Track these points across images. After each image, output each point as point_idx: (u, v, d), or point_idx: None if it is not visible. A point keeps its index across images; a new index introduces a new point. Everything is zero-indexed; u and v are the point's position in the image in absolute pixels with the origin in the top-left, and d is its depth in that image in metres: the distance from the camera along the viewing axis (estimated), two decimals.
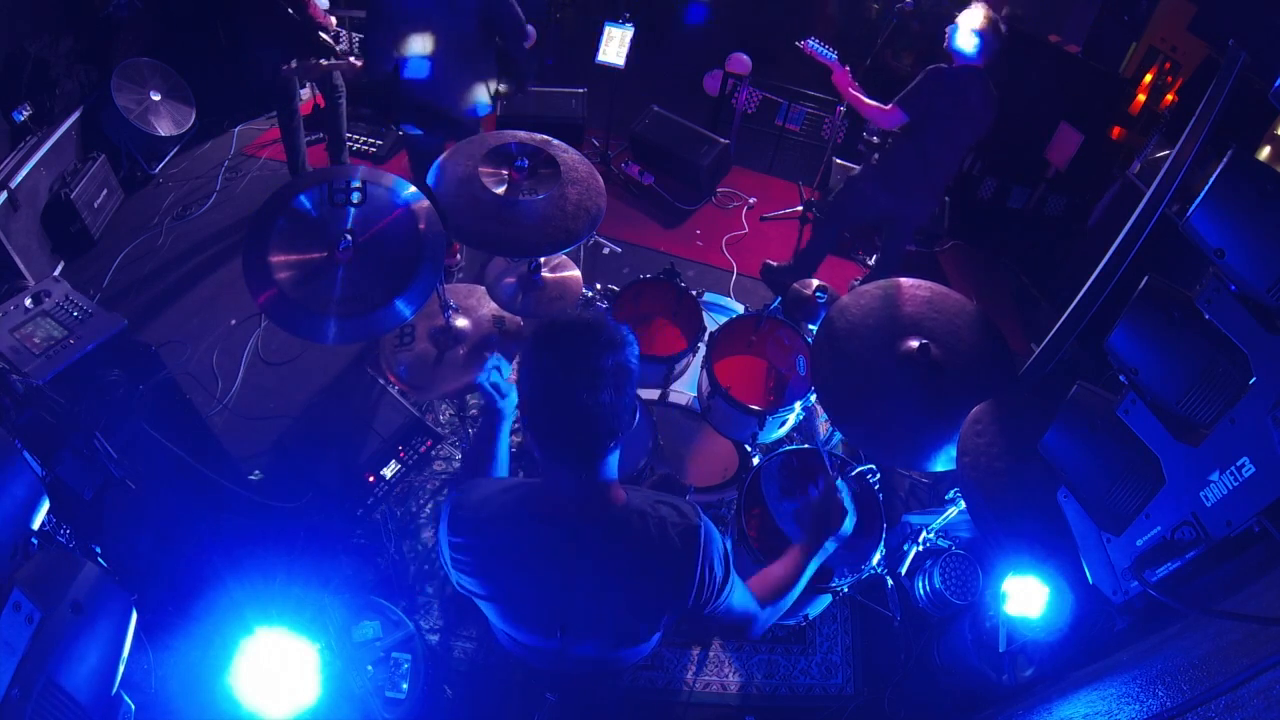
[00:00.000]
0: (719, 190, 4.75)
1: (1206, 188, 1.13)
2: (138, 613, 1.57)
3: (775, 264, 4.18)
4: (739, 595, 1.36)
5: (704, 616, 1.34)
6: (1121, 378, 1.36)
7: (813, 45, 3.54)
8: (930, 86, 3.10)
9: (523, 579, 1.27)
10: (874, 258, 4.09)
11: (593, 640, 1.34)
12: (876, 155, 3.59)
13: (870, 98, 3.32)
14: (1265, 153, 3.04)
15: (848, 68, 3.42)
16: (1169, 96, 3.88)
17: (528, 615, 1.32)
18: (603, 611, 1.29)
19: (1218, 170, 1.12)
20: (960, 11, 3.08)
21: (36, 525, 1.54)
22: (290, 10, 3.47)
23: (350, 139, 4.47)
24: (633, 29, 4.13)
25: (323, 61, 3.16)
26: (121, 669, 1.48)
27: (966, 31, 3.02)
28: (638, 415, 1.27)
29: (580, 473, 1.20)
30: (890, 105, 3.20)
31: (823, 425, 2.79)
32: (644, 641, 1.41)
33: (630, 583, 1.27)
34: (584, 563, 1.24)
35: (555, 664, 1.53)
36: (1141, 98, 4.07)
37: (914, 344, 2.12)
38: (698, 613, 1.32)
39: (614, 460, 1.23)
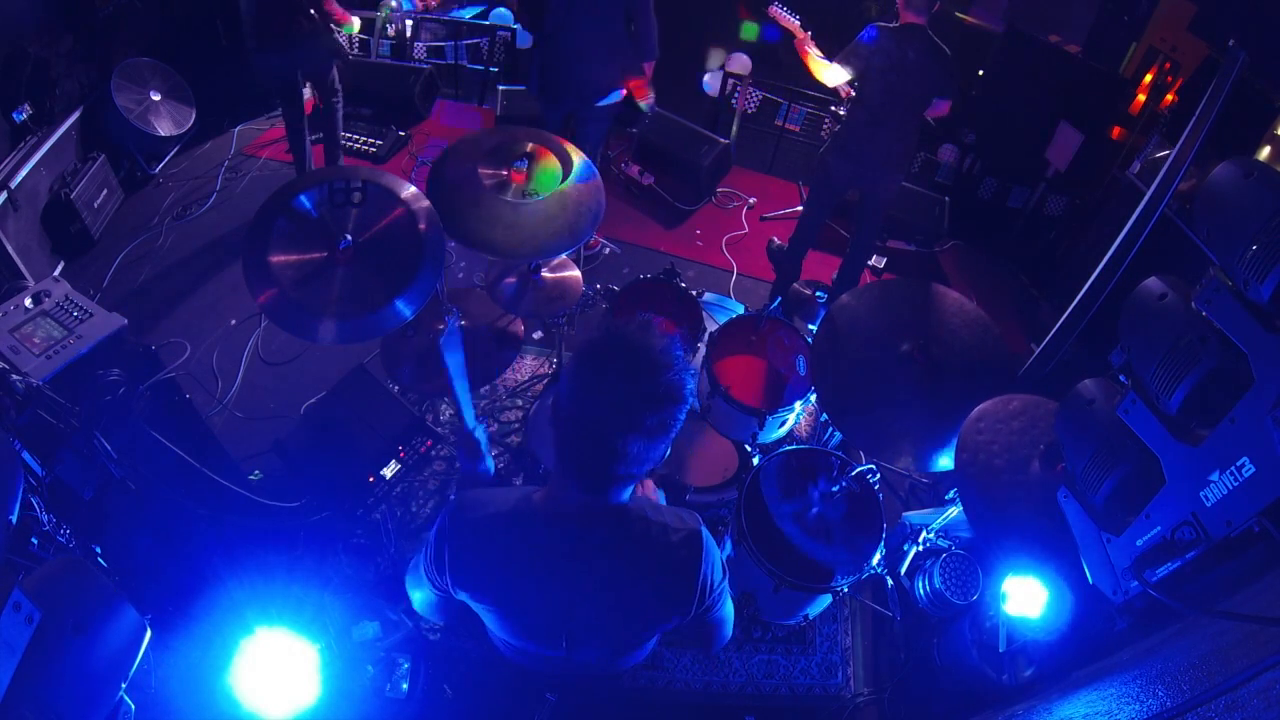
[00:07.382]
0: (719, 190, 4.74)
1: (1210, 174, 1.18)
2: (149, 626, 1.55)
3: (778, 242, 4.36)
4: (728, 603, 1.34)
5: (696, 622, 1.32)
6: (1122, 377, 1.37)
7: (777, 7, 3.64)
8: (865, 43, 3.17)
9: (526, 587, 1.24)
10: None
11: (597, 648, 1.32)
12: (837, 127, 3.63)
13: (826, 58, 3.41)
14: (1265, 153, 3.04)
15: (810, 33, 3.49)
16: (1169, 96, 3.88)
17: (531, 624, 1.29)
18: (606, 619, 1.27)
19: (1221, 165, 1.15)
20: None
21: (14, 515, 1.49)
22: (312, 12, 3.43)
23: (351, 139, 4.46)
24: None
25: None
26: (124, 686, 1.45)
27: None
28: (667, 452, 1.22)
29: (588, 492, 1.19)
30: (833, 63, 3.32)
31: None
32: (644, 648, 1.40)
33: (635, 589, 1.24)
34: (588, 570, 1.21)
35: (556, 669, 1.52)
36: (1141, 98, 4.06)
37: (914, 344, 2.12)
38: (699, 619, 1.30)
39: (628, 491, 1.22)
